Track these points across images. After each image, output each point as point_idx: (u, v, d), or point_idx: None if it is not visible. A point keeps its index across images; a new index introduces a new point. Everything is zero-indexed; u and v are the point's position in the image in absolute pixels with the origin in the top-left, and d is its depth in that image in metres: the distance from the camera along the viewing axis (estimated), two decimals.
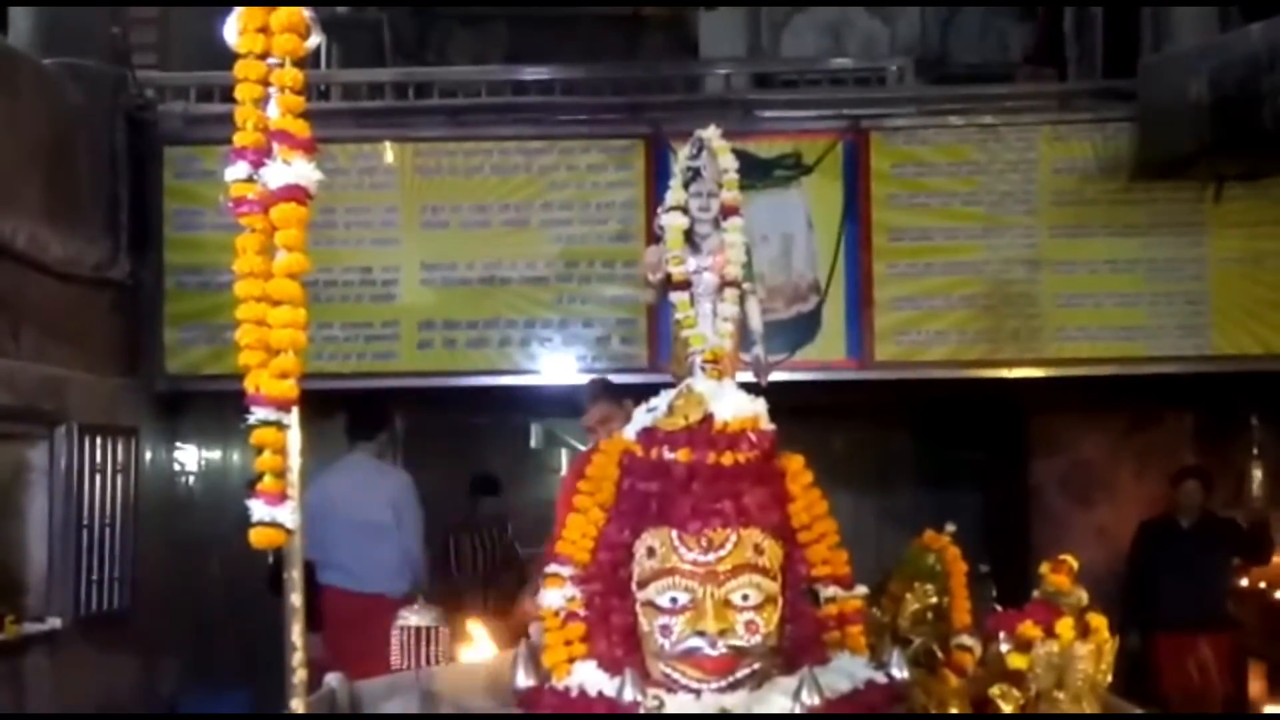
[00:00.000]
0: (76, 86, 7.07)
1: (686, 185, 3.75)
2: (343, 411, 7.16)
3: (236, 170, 2.71)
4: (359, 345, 7.50)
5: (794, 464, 3.47)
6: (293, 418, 2.68)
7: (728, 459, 3.28)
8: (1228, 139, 6.60)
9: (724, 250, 3.67)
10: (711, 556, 3.15)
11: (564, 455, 11.52)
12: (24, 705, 6.18)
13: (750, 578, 3.16)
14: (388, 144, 7.62)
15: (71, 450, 6.59)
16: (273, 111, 2.71)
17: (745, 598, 3.14)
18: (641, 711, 2.97)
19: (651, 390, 3.61)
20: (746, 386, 3.59)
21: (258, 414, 2.64)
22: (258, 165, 2.69)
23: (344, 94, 8.26)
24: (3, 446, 6.47)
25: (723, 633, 3.08)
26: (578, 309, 7.53)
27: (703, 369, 3.58)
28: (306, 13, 2.73)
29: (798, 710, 2.93)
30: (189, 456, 8.37)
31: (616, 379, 7.32)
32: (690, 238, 3.73)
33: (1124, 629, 4.62)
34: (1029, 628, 3.19)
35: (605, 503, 3.41)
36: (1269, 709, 7.93)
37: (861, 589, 3.47)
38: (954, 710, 3.49)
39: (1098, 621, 3.22)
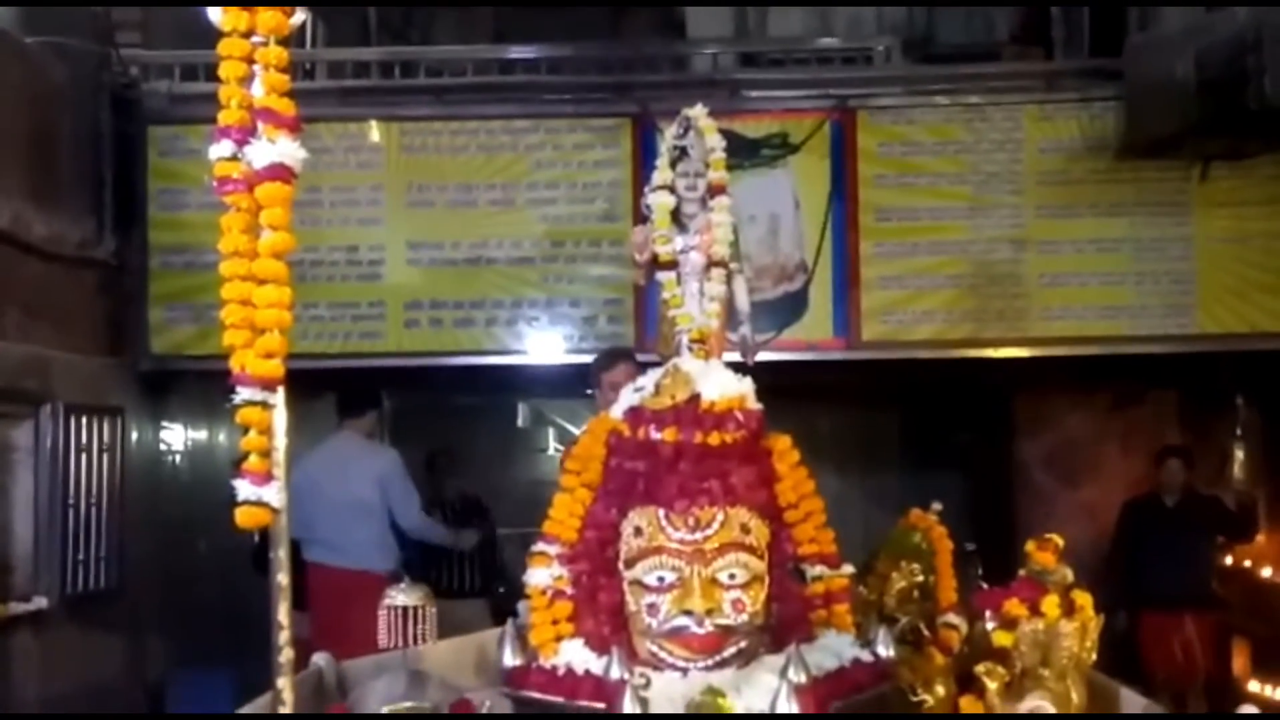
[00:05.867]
0: (60, 65, 7.03)
1: (673, 165, 3.75)
2: (330, 391, 7.15)
3: (221, 149, 2.70)
4: (345, 325, 7.49)
5: (781, 443, 3.48)
6: (278, 397, 2.67)
7: (714, 438, 3.29)
8: (1214, 119, 6.60)
9: (711, 230, 3.67)
10: (698, 535, 3.17)
11: (551, 435, 11.53)
12: (10, 685, 6.18)
13: (737, 556, 3.17)
14: (373, 123, 7.59)
15: (57, 430, 6.57)
16: (257, 90, 2.70)
17: (732, 576, 3.15)
18: (628, 689, 2.98)
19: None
20: (733, 366, 3.60)
21: (243, 394, 2.64)
22: (242, 144, 2.68)
23: (329, 73, 8.23)
24: None
25: (709, 611, 3.10)
26: (564, 289, 7.51)
27: (690, 348, 3.58)
28: None
29: (784, 687, 2.94)
30: (175, 436, 8.35)
31: None
32: (677, 217, 3.73)
33: (1109, 607, 4.63)
34: (1014, 606, 3.21)
35: (592, 482, 3.42)
36: (1252, 686, 7.98)
37: (848, 568, 3.49)
38: (939, 688, 3.51)
39: (1083, 599, 3.24)
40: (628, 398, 3.52)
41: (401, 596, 3.68)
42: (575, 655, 3.22)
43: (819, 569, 3.40)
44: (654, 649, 3.16)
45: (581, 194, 7.52)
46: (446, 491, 8.13)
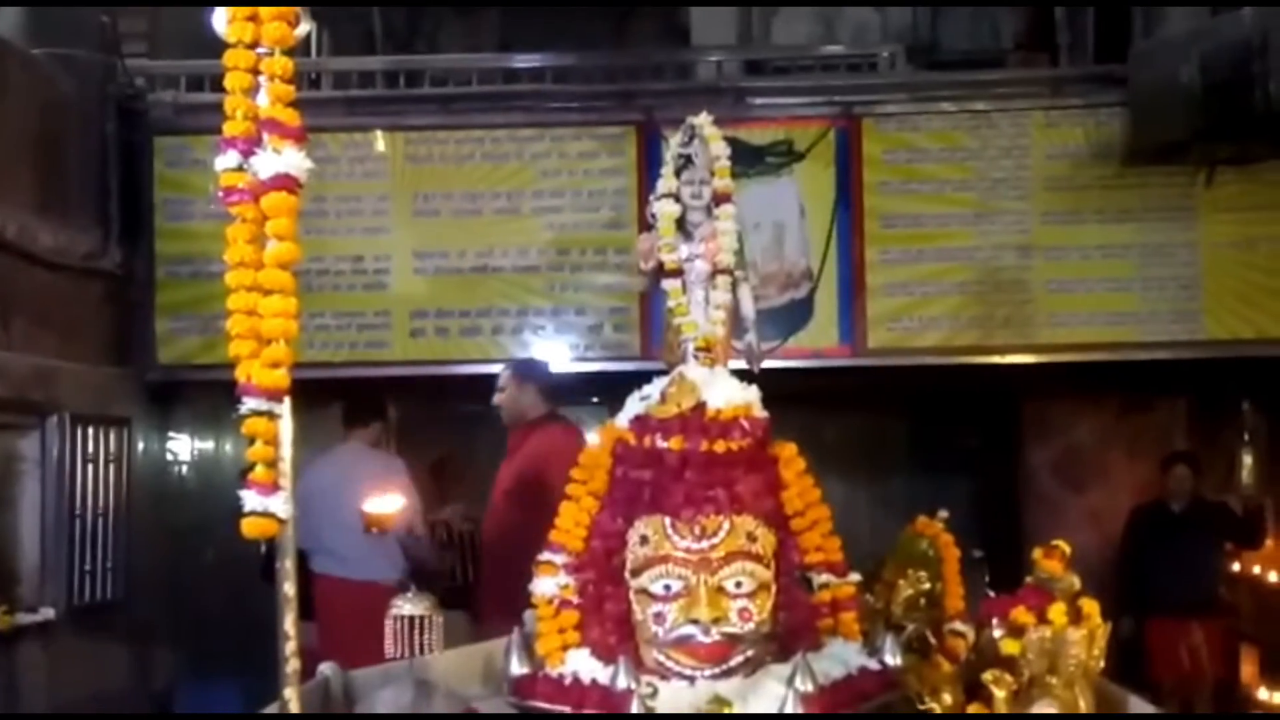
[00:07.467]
0: (66, 76, 7.05)
1: (678, 173, 3.74)
2: (336, 401, 7.15)
3: (227, 159, 2.69)
4: (351, 334, 7.50)
5: (787, 451, 3.47)
6: (284, 407, 2.67)
7: (720, 446, 3.28)
8: (1219, 124, 6.59)
9: (716, 237, 3.66)
10: (704, 544, 3.16)
11: None
12: (17, 696, 6.18)
13: (743, 565, 3.16)
14: (379, 132, 7.60)
15: (63, 440, 6.58)
16: (263, 100, 2.69)
17: (739, 585, 3.15)
18: (635, 698, 2.97)
19: (644, 378, 3.61)
20: (739, 374, 3.59)
21: (249, 404, 2.64)
22: (248, 154, 2.67)
23: (334, 82, 8.23)
24: None
25: (716, 620, 3.09)
26: (570, 297, 7.52)
27: (695, 356, 3.57)
28: None
29: (791, 696, 2.94)
30: (181, 446, 8.36)
31: (609, 367, 7.35)
32: (682, 225, 3.72)
33: (1117, 614, 4.63)
34: (1021, 613, 3.20)
35: (598, 491, 3.42)
36: (1260, 693, 7.96)
37: (855, 575, 3.48)
38: (946, 696, 3.50)
39: (1090, 607, 3.22)
40: (633, 406, 3.52)
41: (408, 606, 3.68)
42: (582, 664, 3.22)
43: (825, 577, 3.39)
44: (661, 658, 3.16)
45: (587, 202, 7.53)
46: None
